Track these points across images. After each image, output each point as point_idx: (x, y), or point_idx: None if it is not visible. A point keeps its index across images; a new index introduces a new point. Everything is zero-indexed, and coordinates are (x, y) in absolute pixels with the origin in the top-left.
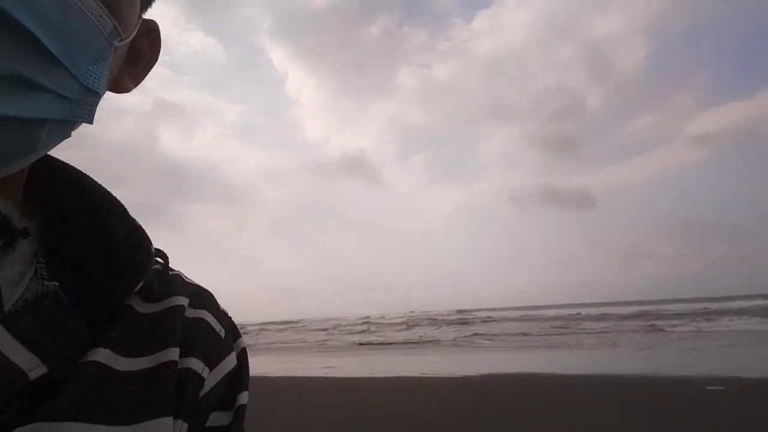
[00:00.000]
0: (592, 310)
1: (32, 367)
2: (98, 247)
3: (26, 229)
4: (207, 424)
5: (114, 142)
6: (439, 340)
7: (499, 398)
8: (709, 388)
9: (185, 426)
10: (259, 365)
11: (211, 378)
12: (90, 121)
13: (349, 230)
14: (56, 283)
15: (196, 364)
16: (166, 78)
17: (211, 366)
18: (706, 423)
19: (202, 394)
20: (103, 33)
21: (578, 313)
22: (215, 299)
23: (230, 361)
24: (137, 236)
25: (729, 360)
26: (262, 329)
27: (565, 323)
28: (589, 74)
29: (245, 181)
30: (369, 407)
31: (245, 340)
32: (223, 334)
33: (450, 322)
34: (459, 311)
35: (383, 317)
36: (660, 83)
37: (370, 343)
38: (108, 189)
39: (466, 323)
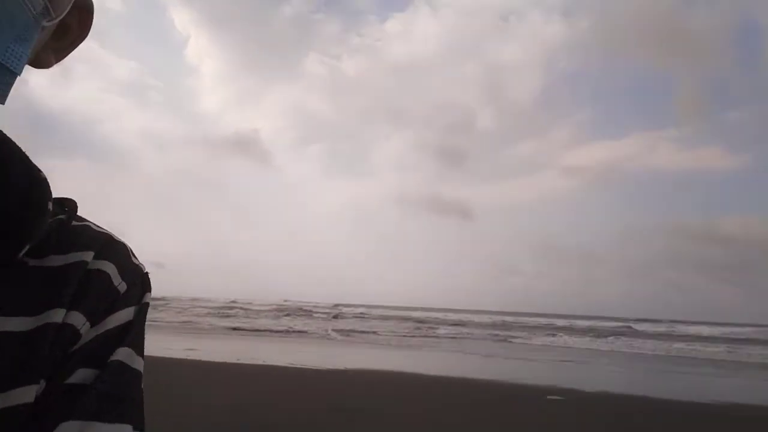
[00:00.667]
0: (456, 316)
1: None
2: None
3: None
4: (69, 381)
5: None
6: (307, 331)
7: (360, 393)
8: (549, 397)
9: (43, 385)
10: None
11: (91, 333)
12: (2, 102)
13: (229, 210)
14: None
15: (76, 319)
16: None
17: (95, 321)
18: (547, 429)
19: (73, 349)
20: (32, 12)
21: (444, 317)
22: (128, 250)
23: (122, 316)
24: (37, 191)
25: (567, 373)
26: None
27: (428, 326)
28: (483, 95)
29: (124, 143)
30: (232, 393)
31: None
32: (123, 287)
33: (322, 315)
34: (335, 305)
35: (251, 303)
36: (544, 115)
37: (237, 329)
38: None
39: (338, 317)
